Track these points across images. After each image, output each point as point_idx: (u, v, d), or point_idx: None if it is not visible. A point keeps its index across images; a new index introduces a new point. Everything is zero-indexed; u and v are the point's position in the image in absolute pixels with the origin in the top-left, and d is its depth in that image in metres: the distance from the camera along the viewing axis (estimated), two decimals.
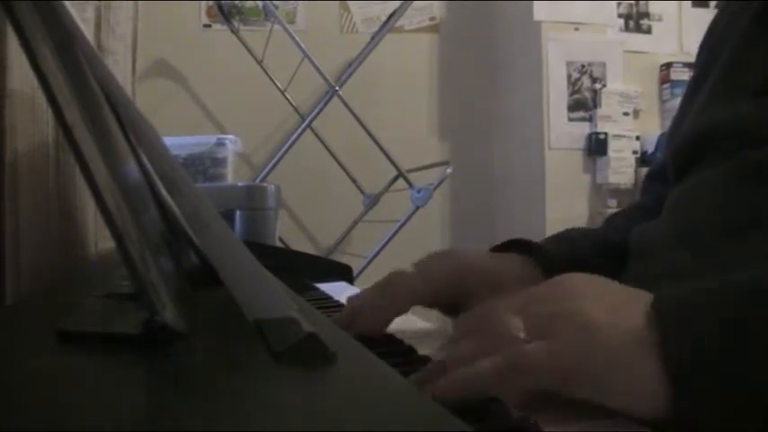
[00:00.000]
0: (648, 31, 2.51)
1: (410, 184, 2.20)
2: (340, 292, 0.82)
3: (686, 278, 0.43)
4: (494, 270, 0.61)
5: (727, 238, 0.51)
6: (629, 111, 2.40)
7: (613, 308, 0.37)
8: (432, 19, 2.83)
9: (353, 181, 2.59)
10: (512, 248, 0.65)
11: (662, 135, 0.74)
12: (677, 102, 0.72)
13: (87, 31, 0.70)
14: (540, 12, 2.39)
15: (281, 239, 1.97)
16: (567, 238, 0.69)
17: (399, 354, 0.50)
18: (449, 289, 0.59)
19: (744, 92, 0.55)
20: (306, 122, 2.37)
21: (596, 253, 0.66)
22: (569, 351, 0.36)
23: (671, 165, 0.64)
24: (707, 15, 2.51)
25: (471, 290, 0.59)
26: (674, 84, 2.40)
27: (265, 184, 1.28)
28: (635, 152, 2.35)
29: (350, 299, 0.60)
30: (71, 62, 0.34)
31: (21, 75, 0.51)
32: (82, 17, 0.69)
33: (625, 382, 0.34)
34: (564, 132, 2.38)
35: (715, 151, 0.56)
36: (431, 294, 0.59)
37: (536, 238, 0.73)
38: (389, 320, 0.57)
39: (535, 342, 0.37)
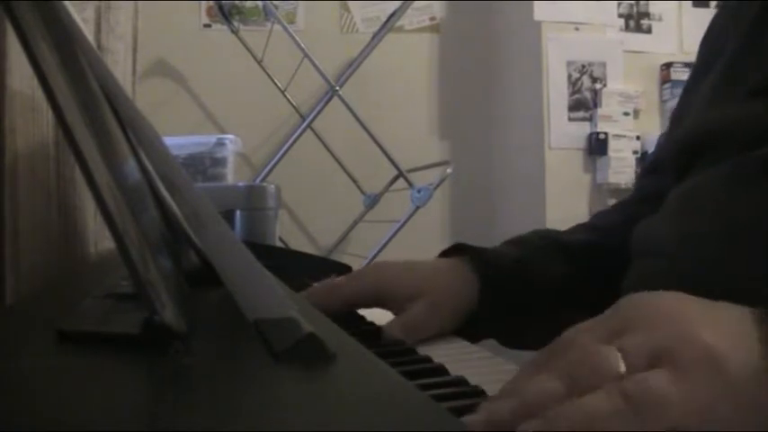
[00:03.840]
0: (648, 30, 2.51)
1: (410, 184, 2.20)
2: None
3: (689, 279, 0.41)
4: (430, 272, 0.64)
5: (728, 238, 0.50)
6: (630, 111, 2.40)
7: (727, 333, 0.32)
8: (432, 19, 2.82)
9: (353, 181, 2.59)
10: (458, 253, 0.68)
11: (661, 135, 0.74)
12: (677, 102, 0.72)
13: (87, 31, 0.70)
14: (540, 12, 2.39)
15: (281, 239, 1.97)
16: (520, 241, 0.71)
17: (399, 354, 0.50)
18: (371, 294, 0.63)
19: (745, 91, 0.54)
20: (306, 122, 2.37)
21: (546, 254, 0.68)
22: (702, 388, 0.30)
23: (672, 163, 0.64)
24: (707, 15, 2.50)
25: (390, 294, 0.63)
26: (675, 84, 2.39)
27: (265, 184, 1.28)
28: (635, 152, 2.35)
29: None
30: (71, 62, 0.34)
31: (21, 75, 0.51)
32: (82, 17, 0.69)
33: (761, 417, 0.31)
34: (564, 132, 2.38)
35: (716, 151, 0.55)
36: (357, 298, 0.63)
37: None
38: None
39: (653, 374, 0.30)
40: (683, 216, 0.56)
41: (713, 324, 0.32)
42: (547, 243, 0.71)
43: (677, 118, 0.68)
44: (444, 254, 0.69)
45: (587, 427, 0.29)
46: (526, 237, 0.73)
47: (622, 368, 0.31)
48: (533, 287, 0.67)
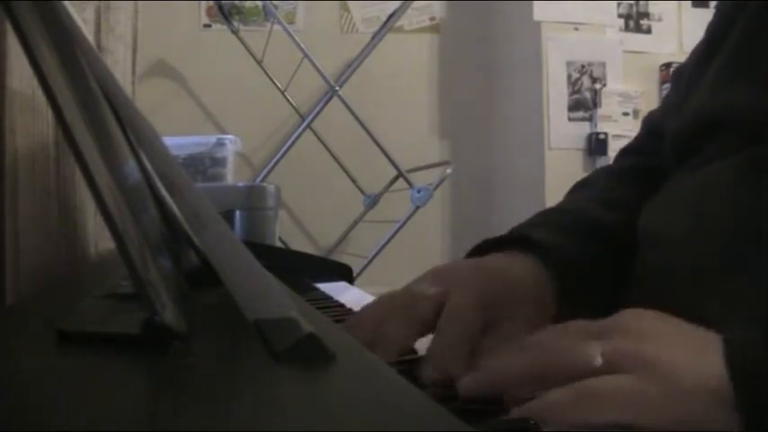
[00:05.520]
0: (648, 31, 2.51)
1: (410, 184, 2.20)
2: (340, 292, 0.82)
3: (703, 273, 0.41)
4: (519, 279, 0.56)
5: (741, 234, 0.49)
6: (629, 111, 2.41)
7: (693, 355, 0.37)
8: (432, 19, 2.83)
9: (353, 181, 2.59)
10: (504, 246, 0.62)
11: (645, 117, 0.74)
12: None
13: (87, 31, 0.70)
14: (540, 12, 2.39)
15: (281, 239, 1.97)
16: (557, 225, 0.66)
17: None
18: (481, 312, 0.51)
19: (756, 75, 0.52)
20: (306, 122, 2.37)
21: (598, 246, 0.62)
22: (652, 393, 0.35)
23: (673, 143, 0.61)
24: (707, 15, 2.50)
25: (503, 307, 0.52)
26: None
27: (265, 184, 1.28)
28: None
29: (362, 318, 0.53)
30: (71, 62, 0.34)
31: (21, 75, 0.51)
32: (82, 17, 0.69)
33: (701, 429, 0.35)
34: (564, 132, 2.38)
35: (725, 139, 0.53)
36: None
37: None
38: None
39: (613, 376, 0.36)
40: (697, 210, 0.54)
41: (680, 347, 0.37)
42: (594, 229, 0.66)
43: (679, 97, 0.64)
44: (478, 249, 0.62)
45: (546, 414, 0.35)
46: (566, 222, 0.67)
47: (597, 362, 0.37)
48: (607, 287, 0.62)
